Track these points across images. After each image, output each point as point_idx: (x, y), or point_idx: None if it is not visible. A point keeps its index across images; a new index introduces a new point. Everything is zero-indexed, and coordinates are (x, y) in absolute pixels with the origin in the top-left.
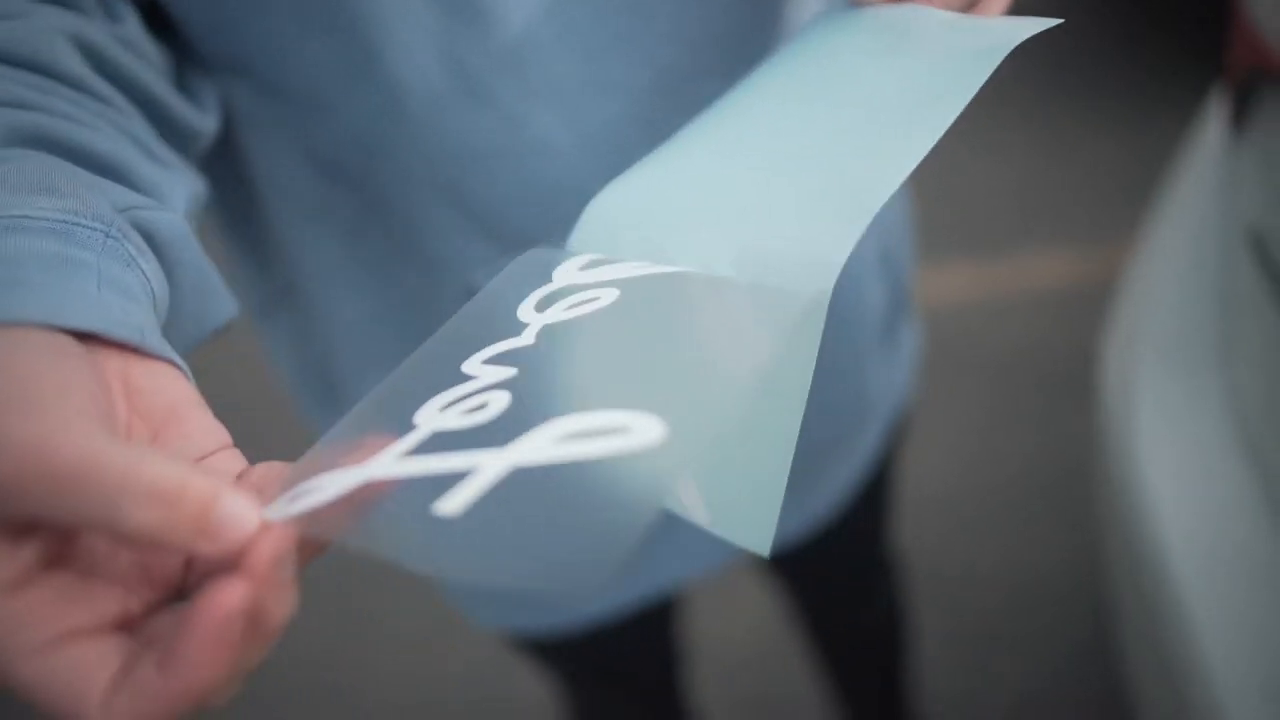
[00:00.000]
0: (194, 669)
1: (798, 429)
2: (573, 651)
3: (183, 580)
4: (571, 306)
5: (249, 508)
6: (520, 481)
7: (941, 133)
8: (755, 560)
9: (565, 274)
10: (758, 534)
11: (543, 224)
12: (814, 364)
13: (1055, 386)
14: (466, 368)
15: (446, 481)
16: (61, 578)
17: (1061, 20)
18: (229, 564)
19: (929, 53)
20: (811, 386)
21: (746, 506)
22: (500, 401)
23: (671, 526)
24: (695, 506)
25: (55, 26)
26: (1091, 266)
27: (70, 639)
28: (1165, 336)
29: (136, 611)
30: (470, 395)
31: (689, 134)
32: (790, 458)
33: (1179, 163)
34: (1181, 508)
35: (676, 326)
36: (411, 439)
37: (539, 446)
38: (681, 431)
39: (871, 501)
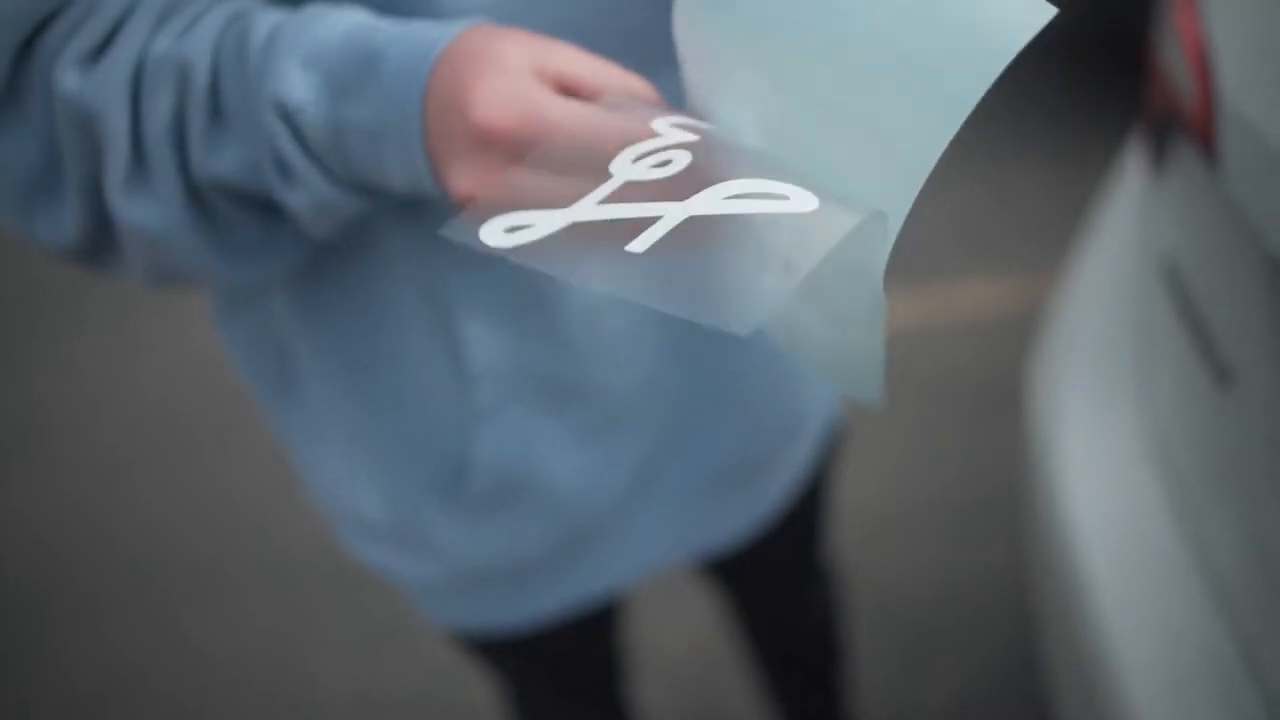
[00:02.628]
0: None
1: (882, 301)
2: (519, 652)
3: None
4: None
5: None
6: (693, 228)
7: None
8: (694, 566)
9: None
10: (867, 386)
11: None
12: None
13: (983, 408)
14: (655, 125)
15: (638, 225)
16: None
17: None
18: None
19: None
20: (748, 401)
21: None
22: (682, 161)
23: (614, 527)
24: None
25: None
26: (1018, 295)
27: None
28: (1088, 360)
29: None
30: (658, 151)
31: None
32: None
33: (1101, 198)
34: (1100, 517)
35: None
36: (608, 187)
37: (711, 201)
38: (829, 208)
39: (807, 512)
